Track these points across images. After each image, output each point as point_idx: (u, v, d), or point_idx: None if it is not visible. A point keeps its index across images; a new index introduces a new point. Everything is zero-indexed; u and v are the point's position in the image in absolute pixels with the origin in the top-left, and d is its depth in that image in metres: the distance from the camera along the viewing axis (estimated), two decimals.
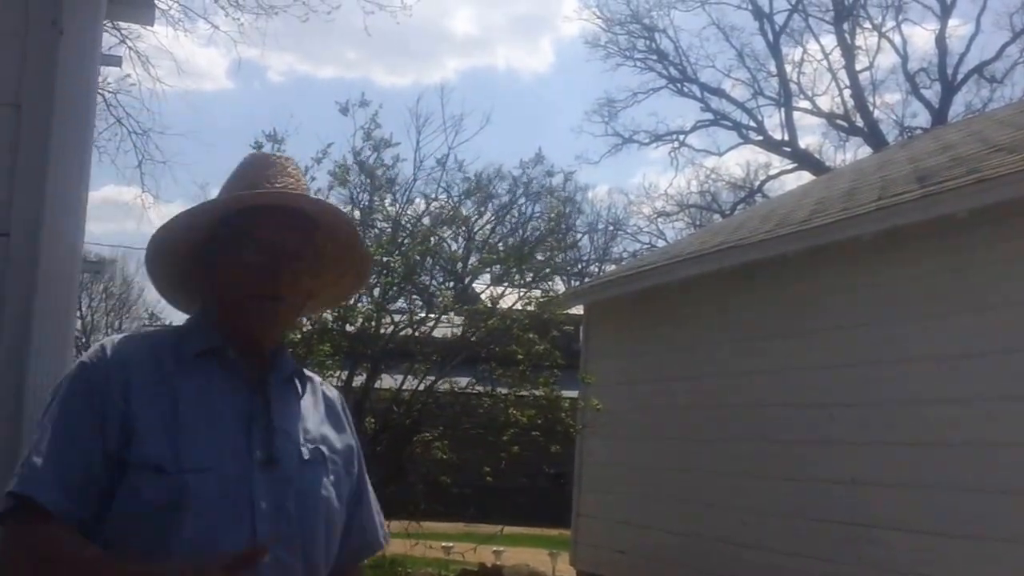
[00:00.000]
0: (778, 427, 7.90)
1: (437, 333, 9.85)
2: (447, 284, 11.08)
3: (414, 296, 10.10)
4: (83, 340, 28.38)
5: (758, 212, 11.65)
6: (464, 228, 10.86)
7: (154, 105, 42.20)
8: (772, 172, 29.93)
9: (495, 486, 10.10)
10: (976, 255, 6.42)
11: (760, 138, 28.71)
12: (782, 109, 28.28)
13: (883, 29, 27.33)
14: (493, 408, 9.45)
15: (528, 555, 13.10)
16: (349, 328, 8.98)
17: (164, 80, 29.86)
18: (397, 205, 9.83)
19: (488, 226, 13.03)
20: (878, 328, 7.06)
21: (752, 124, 28.79)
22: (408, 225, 9.85)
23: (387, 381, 9.59)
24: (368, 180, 9.34)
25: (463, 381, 9.64)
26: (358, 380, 9.18)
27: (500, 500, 14.45)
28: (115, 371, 1.74)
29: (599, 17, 33.10)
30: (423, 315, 9.66)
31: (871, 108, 27.45)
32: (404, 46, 53.42)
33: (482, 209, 12.70)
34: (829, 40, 28.04)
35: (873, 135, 26.27)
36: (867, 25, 27.56)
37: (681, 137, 29.40)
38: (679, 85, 28.99)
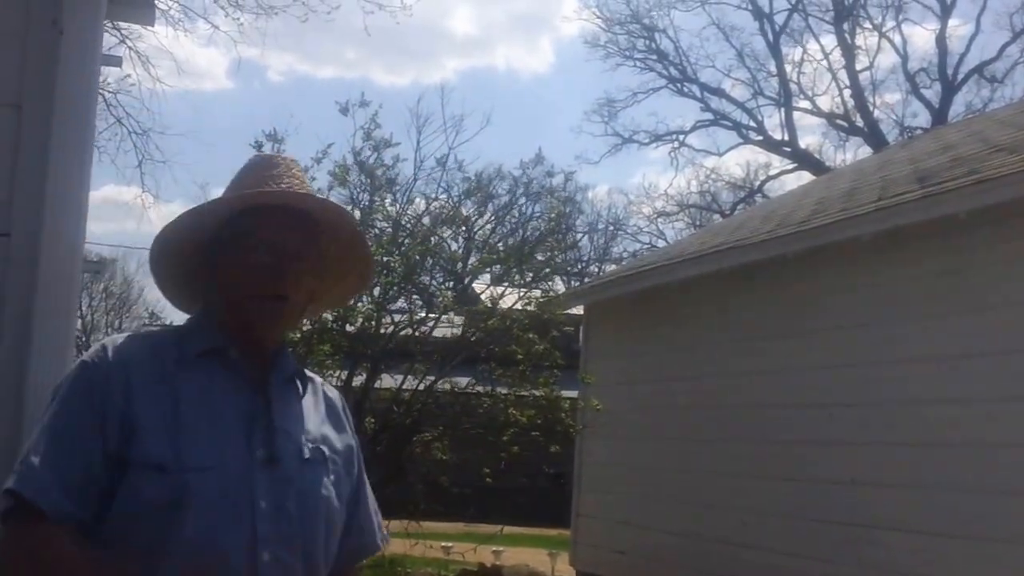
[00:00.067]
0: (778, 427, 7.90)
1: (437, 333, 9.84)
2: (447, 284, 11.07)
3: (414, 296, 10.09)
4: (83, 340, 28.38)
5: (758, 212, 11.65)
6: (464, 228, 10.86)
7: (154, 105, 42.24)
8: (772, 172, 29.99)
9: (495, 486, 10.10)
10: (976, 255, 6.42)
11: (760, 138, 28.73)
12: (782, 109, 28.32)
13: (883, 29, 27.37)
14: (493, 408, 9.44)
15: (528, 555, 13.10)
16: (349, 328, 8.98)
17: (164, 80, 29.89)
18: (397, 205, 9.84)
19: (488, 226, 13.06)
20: (878, 328, 7.06)
21: (752, 124, 28.83)
22: (408, 225, 9.84)
23: (387, 381, 9.58)
24: (368, 180, 9.34)
25: (463, 381, 9.64)
26: (358, 380, 9.18)
27: (500, 500, 14.46)
28: (116, 371, 1.74)
29: (599, 17, 33.11)
30: (423, 315, 9.65)
31: (871, 108, 27.49)
32: (404, 46, 53.48)
33: (482, 209, 12.75)
34: (829, 40, 28.10)
35: (873, 135, 26.28)
36: (867, 25, 27.61)
37: (681, 137, 29.45)
38: (679, 85, 29.03)
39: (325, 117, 50.59)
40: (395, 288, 9.39)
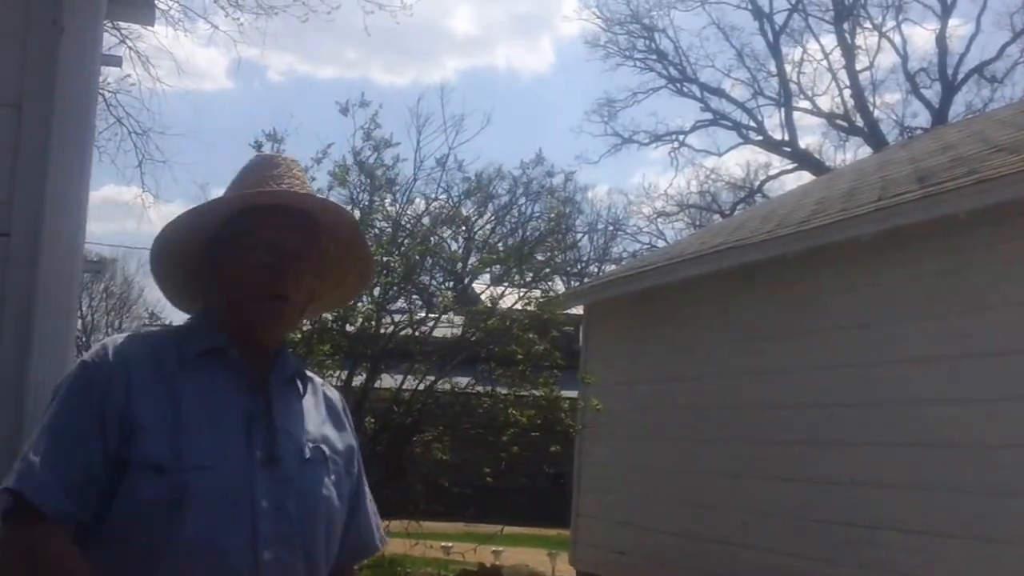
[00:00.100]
0: (778, 427, 7.90)
1: (437, 333, 9.84)
2: (447, 284, 11.07)
3: (414, 296, 10.09)
4: (83, 340, 28.39)
5: (758, 212, 11.65)
6: (464, 228, 10.86)
7: (154, 105, 42.22)
8: (772, 172, 29.97)
9: (495, 486, 10.10)
10: (976, 256, 6.42)
11: (760, 138, 28.72)
12: (782, 109, 28.31)
13: (883, 29, 27.36)
14: (493, 408, 9.44)
15: (527, 555, 13.10)
16: (349, 328, 8.98)
17: (164, 80, 29.86)
18: (397, 205, 9.83)
19: (488, 226, 13.06)
20: (878, 328, 7.06)
21: (752, 124, 28.82)
22: (408, 225, 9.84)
23: (387, 381, 9.58)
24: (368, 180, 9.33)
25: (463, 381, 9.63)
26: (358, 380, 9.18)
27: (500, 500, 14.45)
28: (117, 370, 1.74)
29: (599, 17, 33.06)
30: (423, 315, 9.65)
31: (871, 108, 27.47)
32: (404, 46, 53.49)
33: (482, 209, 12.74)
34: (829, 40, 28.08)
35: (873, 135, 26.27)
36: (867, 25, 27.60)
37: (681, 137, 29.43)
38: (679, 85, 29.01)
39: (325, 117, 50.63)
40: (395, 288, 9.39)
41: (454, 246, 10.77)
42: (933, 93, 26.92)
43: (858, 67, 27.17)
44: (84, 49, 2.25)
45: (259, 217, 1.83)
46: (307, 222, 1.86)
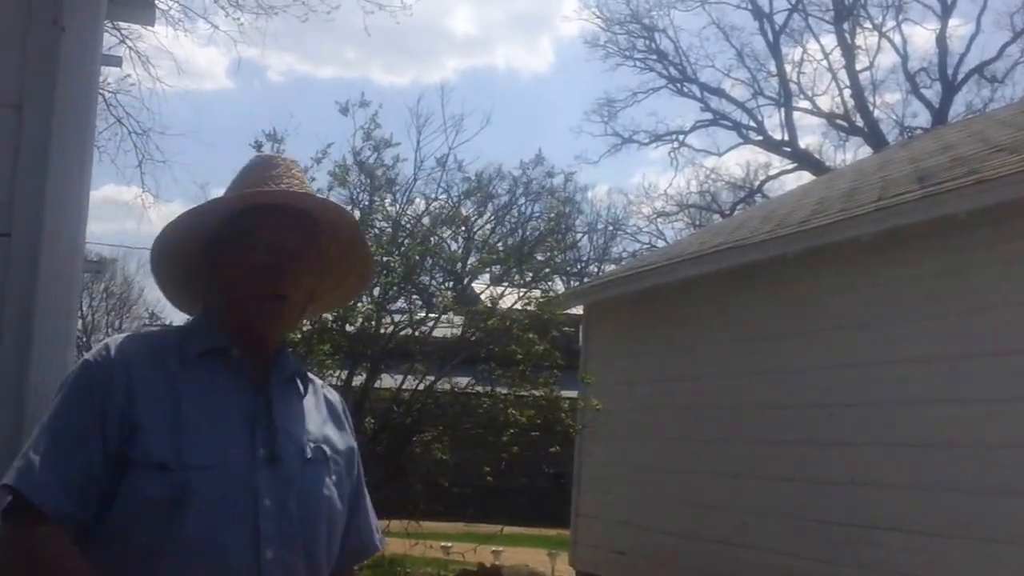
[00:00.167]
0: (778, 427, 7.90)
1: (437, 333, 9.84)
2: (447, 284, 11.07)
3: (414, 296, 10.09)
4: (84, 340, 28.39)
5: (758, 212, 11.65)
6: (464, 228, 10.86)
7: (154, 105, 42.25)
8: (772, 172, 29.97)
9: (495, 486, 10.09)
10: (976, 256, 6.42)
11: (760, 138, 28.72)
12: (782, 109, 28.31)
13: (883, 29, 27.36)
14: (493, 408, 9.44)
15: (527, 555, 13.10)
16: (349, 328, 8.98)
17: (164, 80, 29.84)
18: (397, 205, 9.84)
19: (488, 226, 13.03)
20: (878, 328, 7.06)
21: (752, 124, 28.82)
22: (408, 225, 9.84)
23: (387, 381, 9.58)
24: (368, 180, 9.33)
25: (463, 381, 9.64)
26: (358, 380, 9.18)
27: (500, 500, 14.45)
28: (118, 370, 1.74)
29: (599, 17, 33.04)
30: (423, 315, 9.65)
31: (871, 108, 27.47)
32: (404, 46, 53.49)
33: (482, 209, 12.71)
34: (829, 40, 28.08)
35: (873, 135, 26.27)
36: (867, 25, 27.60)
37: (681, 137, 29.43)
38: (679, 85, 29.01)
39: (325, 117, 50.63)
40: (395, 288, 9.39)
41: (454, 246, 10.78)
42: (933, 93, 26.96)
43: (858, 67, 27.22)
44: (84, 49, 2.25)
45: (259, 217, 1.83)
46: (307, 222, 1.87)
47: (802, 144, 29.05)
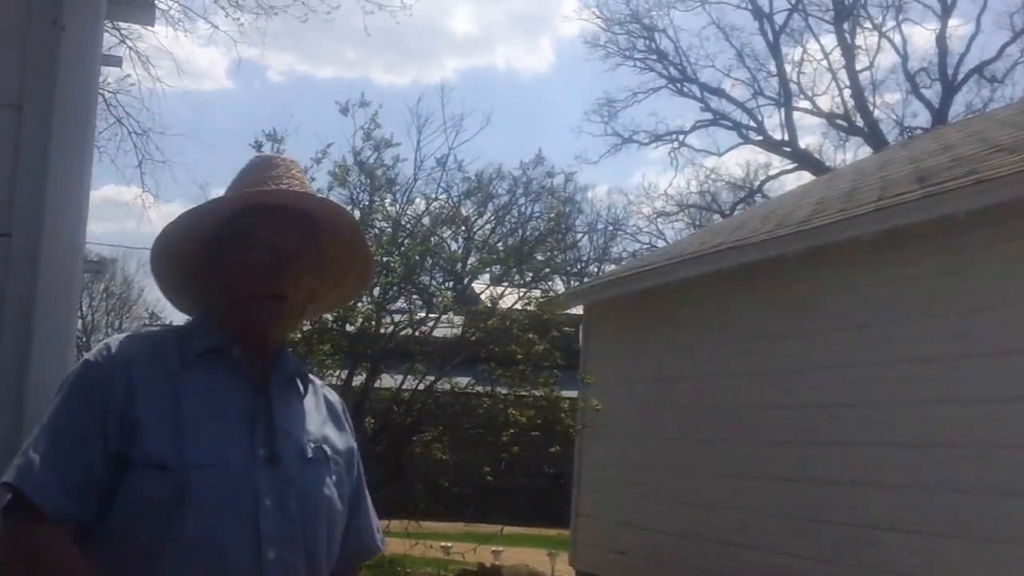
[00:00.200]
0: (778, 427, 7.90)
1: (437, 333, 9.84)
2: (447, 284, 11.07)
3: (414, 296, 10.09)
4: (84, 340, 28.39)
5: (758, 212, 11.65)
6: (464, 228, 10.87)
7: (154, 105, 42.25)
8: (772, 172, 29.96)
9: (495, 486, 10.10)
10: (976, 256, 6.42)
11: (760, 138, 28.71)
12: (782, 109, 28.30)
13: (883, 29, 27.36)
14: (493, 408, 9.45)
15: (527, 555, 13.10)
16: (349, 328, 8.98)
17: (164, 80, 29.82)
18: (397, 205, 9.84)
19: (488, 226, 13.05)
20: (878, 328, 7.06)
21: (752, 124, 28.81)
22: (408, 225, 9.84)
23: (387, 381, 9.58)
24: (368, 180, 9.34)
25: (463, 381, 9.64)
26: (358, 380, 9.18)
27: (500, 500, 14.45)
28: (119, 369, 1.74)
29: (599, 17, 33.00)
30: (423, 315, 9.66)
31: (871, 108, 27.47)
32: (404, 46, 53.48)
33: (482, 209, 12.74)
34: (829, 40, 28.08)
35: (873, 135, 26.27)
36: (867, 25, 27.59)
37: (681, 137, 29.42)
38: (679, 85, 29.01)
39: (325, 117, 50.65)
40: (395, 288, 9.39)
41: (454, 246, 10.79)
42: (933, 93, 26.96)
43: (858, 67, 27.21)
44: (84, 49, 2.25)
45: (258, 217, 1.83)
46: (306, 222, 1.87)
47: (802, 144, 29.09)
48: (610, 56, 28.83)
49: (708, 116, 29.16)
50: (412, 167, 10.09)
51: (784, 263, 7.96)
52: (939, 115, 25.26)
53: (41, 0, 2.21)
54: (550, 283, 11.08)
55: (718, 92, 28.82)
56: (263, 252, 1.81)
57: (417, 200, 10.44)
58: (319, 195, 2.11)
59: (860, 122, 27.36)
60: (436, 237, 10.33)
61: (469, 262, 10.72)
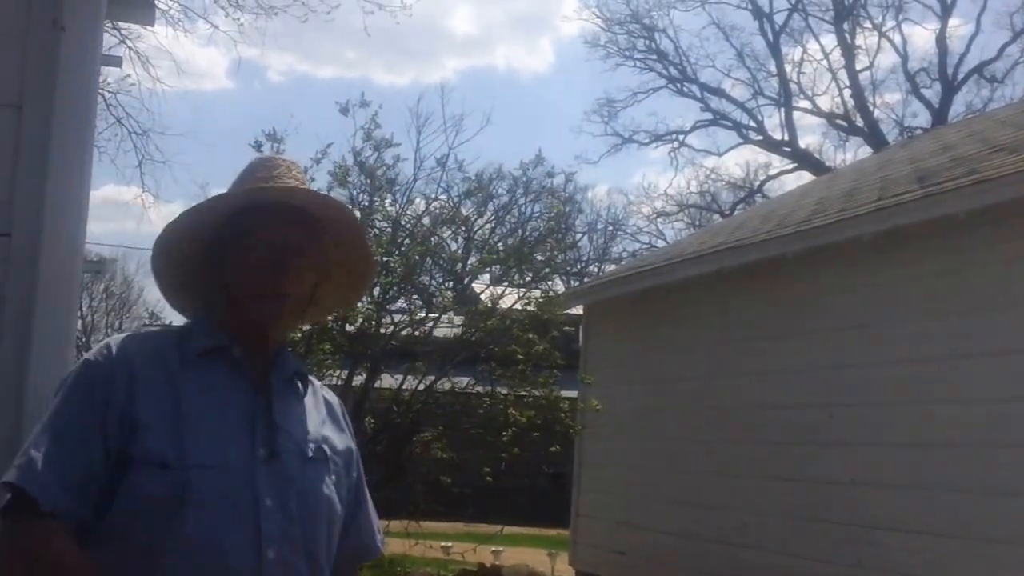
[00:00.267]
0: (778, 427, 7.90)
1: (437, 333, 9.84)
2: (447, 284, 11.07)
3: (414, 296, 10.08)
4: (83, 340, 28.39)
5: (758, 212, 11.65)
6: (464, 228, 10.86)
7: (154, 105, 42.31)
8: (772, 172, 29.97)
9: (495, 486, 10.10)
10: (976, 256, 6.42)
11: (760, 138, 28.71)
12: (782, 109, 28.30)
13: (883, 29, 27.36)
14: (493, 408, 9.45)
15: (527, 555, 13.10)
16: (349, 328, 8.98)
17: (164, 80, 29.89)
18: (397, 205, 9.84)
19: (488, 226, 13.05)
20: (878, 328, 7.06)
21: (752, 124, 28.82)
22: (408, 225, 9.84)
23: (387, 381, 9.58)
24: (368, 180, 9.33)
25: (463, 381, 9.64)
26: (358, 380, 9.18)
27: (500, 500, 14.46)
28: (120, 368, 1.74)
29: (599, 17, 33.02)
30: (423, 315, 9.65)
31: (871, 108, 27.47)
32: (404, 46, 53.49)
33: (482, 209, 12.72)
34: (829, 40, 28.09)
35: (873, 135, 26.27)
36: (867, 25, 27.60)
37: (681, 137, 29.42)
38: (679, 85, 29.01)
39: (325, 117, 50.68)
40: (395, 288, 9.39)
41: (454, 246, 10.79)
42: (933, 93, 26.96)
43: (858, 67, 27.22)
44: (84, 49, 2.24)
45: (259, 217, 1.84)
46: (307, 218, 1.87)
47: (802, 144, 29.09)
48: (610, 56, 28.88)
49: (708, 116, 29.20)
50: (412, 167, 10.10)
51: (784, 263, 7.96)
52: (939, 115, 25.27)
53: (41, 0, 2.21)
54: (550, 283, 11.09)
55: (718, 92, 28.85)
56: (264, 251, 1.81)
57: (417, 200, 10.45)
58: (319, 193, 2.11)
59: (860, 122, 27.37)
60: (436, 237, 10.33)
61: (469, 262, 10.73)
